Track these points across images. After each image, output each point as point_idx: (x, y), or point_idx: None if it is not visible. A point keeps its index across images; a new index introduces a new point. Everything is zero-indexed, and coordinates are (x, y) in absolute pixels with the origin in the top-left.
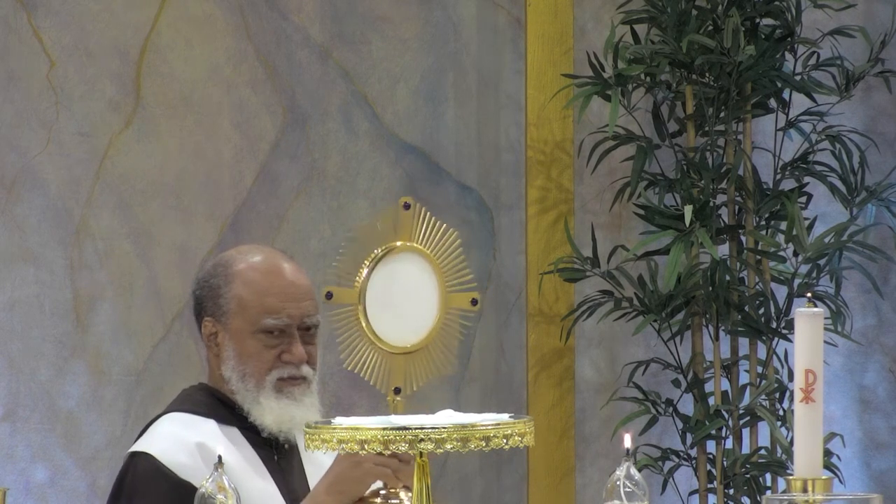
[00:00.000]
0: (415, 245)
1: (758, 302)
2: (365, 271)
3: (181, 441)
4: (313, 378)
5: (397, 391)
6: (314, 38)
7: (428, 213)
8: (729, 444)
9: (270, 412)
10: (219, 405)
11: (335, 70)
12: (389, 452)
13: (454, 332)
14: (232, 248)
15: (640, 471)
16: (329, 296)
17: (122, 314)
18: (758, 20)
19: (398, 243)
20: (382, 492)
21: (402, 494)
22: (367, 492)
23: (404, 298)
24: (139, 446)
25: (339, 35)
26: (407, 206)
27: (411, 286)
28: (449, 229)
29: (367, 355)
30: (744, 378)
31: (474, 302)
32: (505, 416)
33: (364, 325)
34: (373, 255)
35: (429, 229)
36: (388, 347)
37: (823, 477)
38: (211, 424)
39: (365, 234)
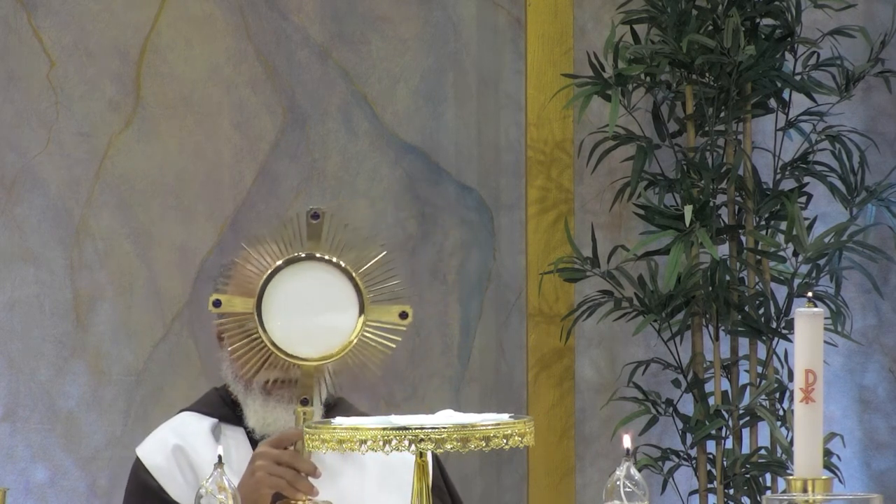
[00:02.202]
0: (325, 255)
1: (758, 302)
2: (262, 280)
3: (163, 442)
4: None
5: (305, 402)
6: (314, 38)
7: (346, 224)
8: (729, 444)
9: (255, 413)
10: (227, 405)
11: (335, 70)
12: (285, 459)
13: (380, 344)
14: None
15: (640, 471)
16: (217, 304)
17: (122, 314)
18: (758, 20)
19: (303, 254)
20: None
21: None
22: (274, 500)
23: (313, 309)
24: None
25: (339, 35)
26: (315, 216)
27: (322, 297)
28: (373, 240)
29: (263, 364)
30: (744, 378)
31: (403, 315)
32: (505, 416)
33: (262, 334)
34: (273, 265)
35: (346, 240)
36: (291, 358)
37: (823, 477)
38: (206, 424)
39: (266, 243)
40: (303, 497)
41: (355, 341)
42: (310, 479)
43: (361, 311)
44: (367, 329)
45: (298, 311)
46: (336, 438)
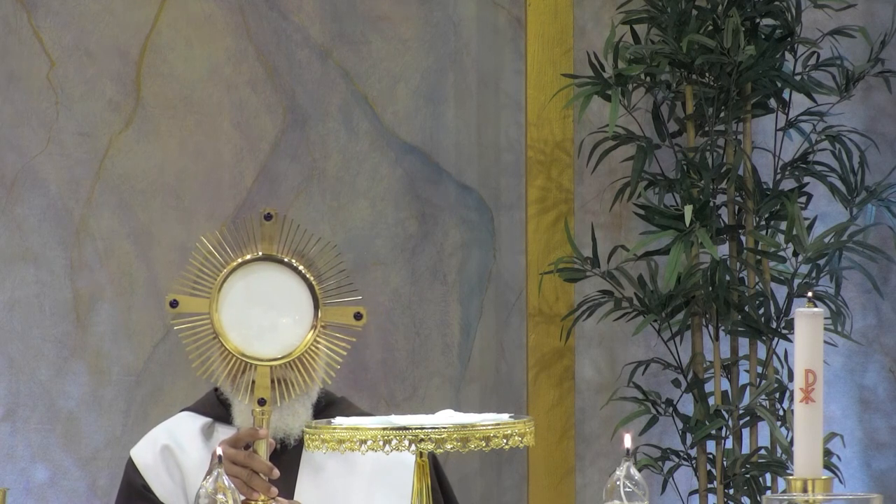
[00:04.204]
0: (280, 256)
1: (758, 302)
2: (218, 281)
3: (153, 441)
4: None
5: (261, 402)
6: (314, 38)
7: (299, 226)
8: (729, 444)
9: (240, 413)
10: (221, 405)
11: (335, 70)
12: (240, 459)
13: (335, 345)
14: None
15: (640, 471)
16: (174, 304)
17: (122, 314)
18: (758, 20)
19: (259, 254)
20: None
21: None
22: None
23: (268, 309)
24: None
25: (339, 35)
26: (268, 217)
27: (277, 298)
28: (329, 242)
29: (221, 365)
30: (744, 378)
31: (358, 316)
32: (505, 416)
33: (219, 334)
34: (229, 265)
35: (300, 241)
36: (246, 358)
37: (823, 477)
38: (198, 424)
39: (220, 243)
40: (259, 497)
41: (310, 341)
42: (267, 479)
43: (316, 311)
44: (321, 330)
45: (253, 312)
46: (336, 438)
